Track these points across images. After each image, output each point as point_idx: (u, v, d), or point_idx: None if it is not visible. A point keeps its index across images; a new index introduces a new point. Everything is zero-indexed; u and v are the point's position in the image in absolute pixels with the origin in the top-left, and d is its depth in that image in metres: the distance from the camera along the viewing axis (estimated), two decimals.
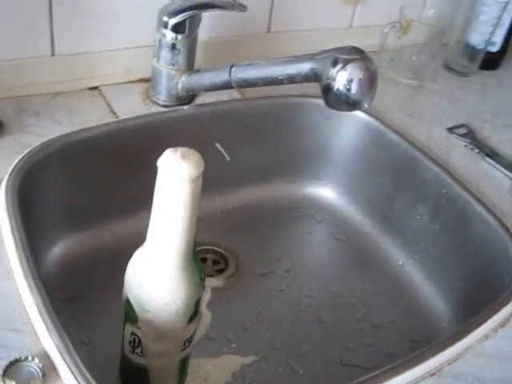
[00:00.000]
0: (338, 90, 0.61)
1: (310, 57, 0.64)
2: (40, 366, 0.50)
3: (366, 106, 0.63)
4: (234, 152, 0.81)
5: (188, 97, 0.81)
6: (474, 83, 1.00)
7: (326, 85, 0.62)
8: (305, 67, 0.64)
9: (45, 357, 0.51)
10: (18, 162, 0.67)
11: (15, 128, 0.73)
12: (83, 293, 0.72)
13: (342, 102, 0.62)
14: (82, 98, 0.79)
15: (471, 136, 0.85)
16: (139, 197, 0.79)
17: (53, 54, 0.77)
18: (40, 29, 0.75)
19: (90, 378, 0.50)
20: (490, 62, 1.01)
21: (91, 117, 0.76)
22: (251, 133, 0.84)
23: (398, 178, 0.83)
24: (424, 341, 0.75)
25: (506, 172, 0.80)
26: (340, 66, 0.61)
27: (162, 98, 0.80)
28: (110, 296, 0.73)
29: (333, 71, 0.61)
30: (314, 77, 0.64)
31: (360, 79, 0.61)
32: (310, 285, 0.81)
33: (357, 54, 0.62)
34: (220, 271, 0.81)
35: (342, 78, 0.60)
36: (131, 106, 0.79)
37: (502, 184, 0.80)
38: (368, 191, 0.87)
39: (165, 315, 0.55)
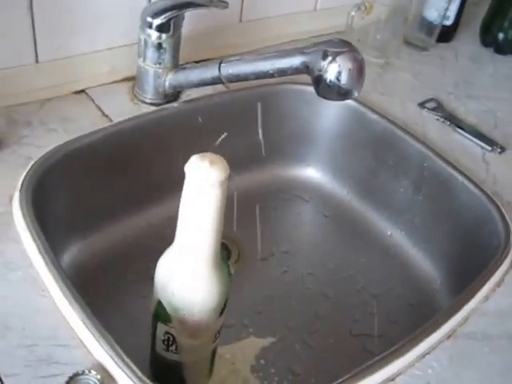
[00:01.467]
0: (330, 81, 0.64)
1: (299, 50, 0.67)
2: (98, 377, 0.51)
3: (356, 94, 0.67)
4: (222, 142, 0.83)
5: (174, 93, 0.83)
6: (433, 56, 1.05)
7: (317, 76, 0.65)
8: (295, 61, 0.67)
9: (99, 368, 0.52)
10: (26, 176, 0.67)
11: (11, 140, 0.72)
12: (102, 296, 0.73)
13: (334, 92, 0.65)
14: (71, 102, 0.79)
15: (441, 109, 0.91)
16: (142, 195, 0.82)
17: (37, 61, 0.76)
18: (23, 37, 0.74)
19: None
20: (445, 34, 1.07)
21: (84, 122, 0.77)
22: (237, 123, 0.86)
23: (379, 154, 0.88)
24: (420, 304, 0.82)
25: (476, 141, 0.87)
26: (330, 58, 0.64)
27: (149, 96, 0.81)
28: (129, 296, 0.76)
29: (323, 64, 0.64)
30: (304, 70, 0.67)
31: (350, 69, 0.64)
32: (309, 263, 0.86)
33: (345, 47, 0.65)
34: None
35: (333, 70, 0.64)
36: (121, 107, 0.80)
37: (475, 153, 0.86)
38: (351, 169, 0.92)
39: (199, 314, 0.58)
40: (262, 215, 0.91)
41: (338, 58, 0.64)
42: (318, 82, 0.65)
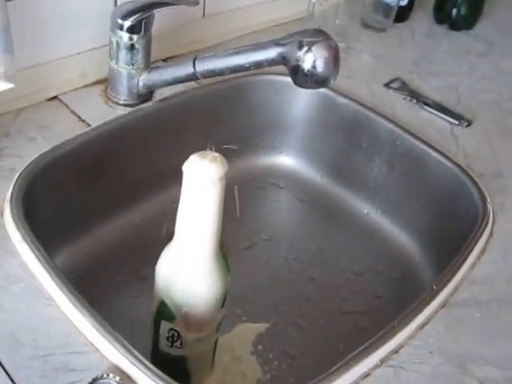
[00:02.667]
0: (307, 70, 0.66)
1: (275, 42, 0.68)
2: (117, 379, 0.52)
3: (332, 82, 0.69)
4: (197, 136, 0.84)
5: (147, 93, 0.83)
6: (391, 37, 1.08)
7: (294, 67, 0.67)
8: (272, 53, 0.68)
9: (116, 371, 0.53)
10: (14, 187, 0.67)
11: None
12: (94, 300, 0.73)
13: (312, 81, 0.67)
14: (45, 110, 0.79)
15: (406, 88, 0.94)
16: (124, 196, 0.83)
17: None
18: None
19: (170, 380, 0.54)
20: (401, 15, 1.10)
21: (62, 128, 0.76)
22: (211, 116, 0.87)
23: (351, 137, 0.90)
24: (403, 279, 0.85)
25: (444, 116, 0.90)
26: (306, 48, 0.66)
27: (123, 97, 0.81)
28: (120, 297, 0.77)
29: (300, 54, 0.66)
30: (281, 61, 0.68)
31: (326, 58, 0.66)
32: (292, 248, 0.88)
33: (320, 36, 0.67)
34: None
35: (310, 59, 0.65)
36: (96, 111, 0.80)
37: (444, 128, 0.89)
38: (324, 153, 0.94)
39: (203, 308, 0.59)
40: (240, 205, 0.92)
41: (313, 48, 0.66)
42: (295, 71, 0.67)
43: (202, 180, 0.53)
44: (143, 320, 0.70)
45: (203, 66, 0.74)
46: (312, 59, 0.65)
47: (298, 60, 0.66)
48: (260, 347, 0.76)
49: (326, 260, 0.87)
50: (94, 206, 0.79)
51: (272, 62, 0.69)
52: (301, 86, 0.69)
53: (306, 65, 0.65)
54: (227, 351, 0.74)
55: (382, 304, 0.82)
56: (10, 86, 0.64)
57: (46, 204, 0.72)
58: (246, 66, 0.71)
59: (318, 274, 0.85)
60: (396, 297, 0.83)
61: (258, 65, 0.70)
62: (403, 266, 0.86)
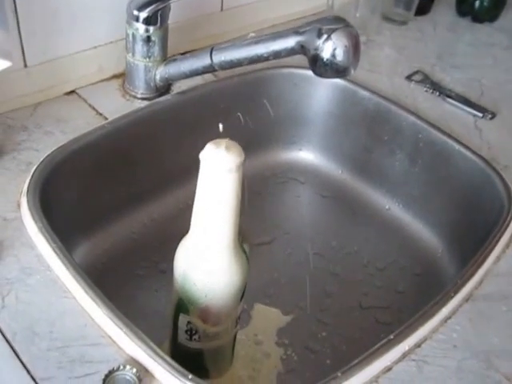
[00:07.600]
0: (326, 59, 0.64)
1: (294, 31, 0.67)
2: (134, 371, 0.51)
3: (353, 71, 0.67)
4: (216, 129, 0.83)
5: (165, 86, 0.82)
6: (413, 30, 1.07)
7: (313, 56, 0.65)
8: (290, 42, 0.66)
9: (133, 363, 0.52)
10: (31, 180, 0.66)
11: (9, 147, 0.71)
12: (114, 294, 0.72)
13: (331, 70, 0.65)
14: (63, 104, 0.79)
15: (428, 81, 0.92)
16: (143, 191, 0.82)
17: (25, 66, 0.75)
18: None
19: (187, 372, 0.53)
20: (422, 7, 1.08)
21: (79, 122, 0.76)
22: (229, 109, 0.86)
23: (373, 130, 0.89)
24: (425, 274, 0.83)
25: (467, 109, 0.88)
26: (325, 36, 0.64)
27: (141, 91, 0.81)
28: (140, 291, 0.77)
29: (319, 42, 0.64)
30: (300, 50, 0.66)
31: (346, 46, 0.64)
32: (313, 243, 0.86)
33: (339, 23, 0.65)
34: None
35: (329, 48, 0.63)
36: (114, 105, 0.79)
37: (467, 120, 0.87)
38: (344, 147, 0.93)
39: (222, 301, 0.59)
40: (261, 200, 0.92)
41: (333, 36, 0.64)
42: (315, 61, 0.65)
43: (218, 168, 0.52)
44: (163, 313, 0.70)
45: (220, 57, 0.73)
46: (331, 48, 0.63)
47: (317, 49, 0.64)
48: (280, 341, 0.75)
49: (348, 255, 0.86)
50: (112, 200, 0.79)
51: (291, 52, 0.67)
52: (320, 75, 0.67)
53: (326, 54, 0.63)
54: (250, 335, 0.74)
55: (403, 299, 0.81)
56: (7, 64, 0.61)
57: (63, 197, 0.72)
58: (265, 55, 0.69)
59: (339, 269, 0.84)
60: (418, 292, 0.81)
61: (277, 54, 0.68)
62: (425, 261, 0.84)
